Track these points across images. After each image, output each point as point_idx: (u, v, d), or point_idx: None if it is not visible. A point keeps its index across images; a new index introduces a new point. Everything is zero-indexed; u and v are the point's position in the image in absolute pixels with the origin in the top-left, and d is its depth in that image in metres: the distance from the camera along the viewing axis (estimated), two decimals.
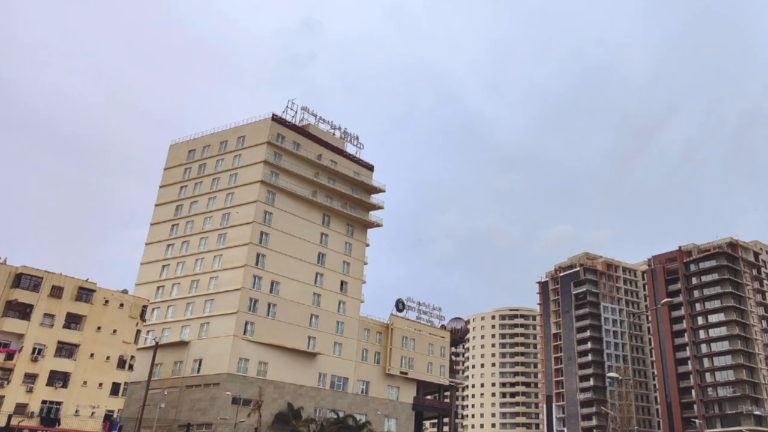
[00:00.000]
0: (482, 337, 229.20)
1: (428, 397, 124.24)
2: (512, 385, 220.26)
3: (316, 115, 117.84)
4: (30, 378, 74.89)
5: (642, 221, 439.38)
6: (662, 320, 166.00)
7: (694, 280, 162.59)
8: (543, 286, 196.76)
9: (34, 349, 76.11)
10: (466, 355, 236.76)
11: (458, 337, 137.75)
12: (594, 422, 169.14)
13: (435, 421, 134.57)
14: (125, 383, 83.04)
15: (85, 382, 78.96)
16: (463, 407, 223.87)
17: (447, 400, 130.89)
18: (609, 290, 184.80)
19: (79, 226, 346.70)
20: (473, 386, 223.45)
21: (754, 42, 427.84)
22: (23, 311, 76.55)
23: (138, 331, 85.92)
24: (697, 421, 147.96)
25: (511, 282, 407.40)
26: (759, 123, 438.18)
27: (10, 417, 71.68)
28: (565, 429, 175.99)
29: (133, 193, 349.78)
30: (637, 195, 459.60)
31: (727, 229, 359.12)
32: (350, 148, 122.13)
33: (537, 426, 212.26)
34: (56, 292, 78.91)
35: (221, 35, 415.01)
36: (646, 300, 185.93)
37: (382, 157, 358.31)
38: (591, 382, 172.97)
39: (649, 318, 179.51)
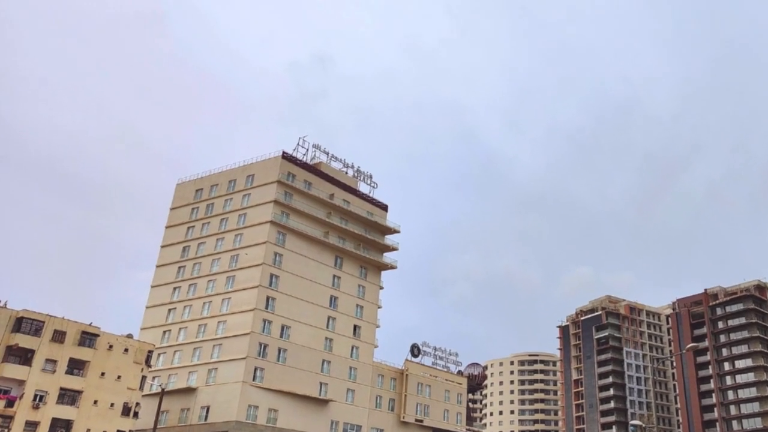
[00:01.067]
0: (500, 383, 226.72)
1: None
2: None
3: (328, 153, 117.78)
4: (31, 426, 74.02)
5: (666, 263, 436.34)
6: (687, 366, 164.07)
7: (721, 324, 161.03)
8: (563, 330, 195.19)
9: (36, 395, 75.39)
10: (483, 401, 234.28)
11: (476, 383, 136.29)
12: None
13: None
14: (130, 431, 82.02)
15: (88, 430, 78.03)
16: None
17: None
18: (632, 335, 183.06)
19: (82, 269, 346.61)
20: None
21: None
22: (24, 356, 75.96)
23: (143, 377, 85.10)
24: None
25: (530, 326, 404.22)
26: None
27: None
28: None
29: (137, 234, 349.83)
30: (661, 236, 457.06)
31: (754, 271, 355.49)
32: (364, 188, 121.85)
33: None
34: (58, 336, 78.33)
35: (230, 71, 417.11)
36: (670, 345, 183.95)
37: (397, 197, 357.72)
38: (613, 431, 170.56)
39: (674, 363, 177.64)
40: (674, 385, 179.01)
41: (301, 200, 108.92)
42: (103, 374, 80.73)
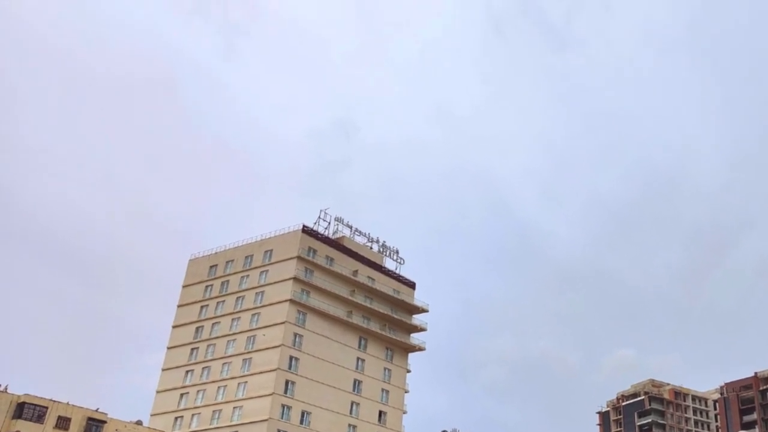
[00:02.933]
0: None
1: None
2: None
3: (351, 227, 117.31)
4: None
5: (713, 345, 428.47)
6: None
7: None
8: (604, 416, 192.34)
9: None
10: None
11: None
12: None
13: None
14: None
15: None
16: None
17: None
18: (677, 421, 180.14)
19: (88, 350, 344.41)
20: None
21: None
22: None
23: None
24: None
25: (568, 412, 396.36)
26: None
27: None
28: None
29: (147, 313, 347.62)
30: (708, 316, 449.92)
31: None
32: (389, 264, 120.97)
33: None
34: (63, 423, 77.12)
35: (246, 139, 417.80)
36: (718, 431, 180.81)
37: (425, 274, 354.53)
38: None
39: None
40: None
41: (323, 277, 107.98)
42: None
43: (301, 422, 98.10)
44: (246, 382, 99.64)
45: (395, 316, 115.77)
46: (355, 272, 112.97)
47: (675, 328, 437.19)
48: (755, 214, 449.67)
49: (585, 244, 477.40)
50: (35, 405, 76.11)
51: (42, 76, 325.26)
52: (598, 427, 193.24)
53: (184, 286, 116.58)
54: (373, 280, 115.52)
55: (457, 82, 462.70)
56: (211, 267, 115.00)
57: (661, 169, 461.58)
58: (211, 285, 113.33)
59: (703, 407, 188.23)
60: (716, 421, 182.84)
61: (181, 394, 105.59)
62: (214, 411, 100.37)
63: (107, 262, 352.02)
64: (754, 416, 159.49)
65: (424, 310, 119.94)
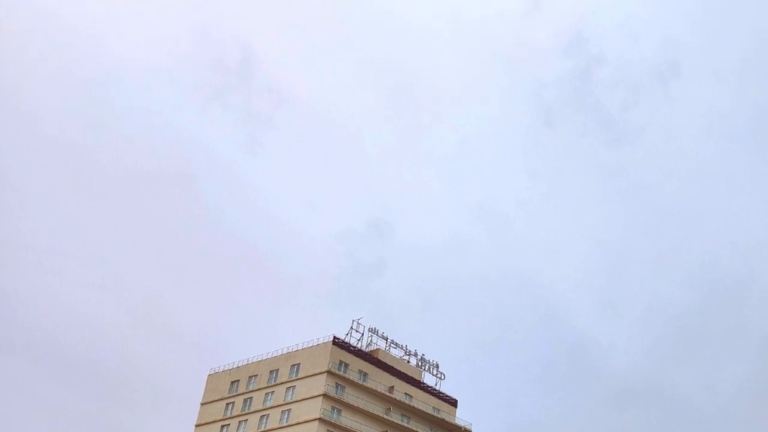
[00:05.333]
0: None
1: None
2: None
3: (386, 339, 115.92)
4: None
5: None
6: None
7: None
8: None
9: None
10: None
11: None
12: None
13: None
14: None
15: None
16: None
17: None
18: None
19: None
20: None
21: None
22: None
23: None
24: None
25: None
26: None
27: None
28: None
29: (162, 431, 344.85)
30: None
31: None
32: (429, 379, 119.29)
33: None
34: None
35: (270, 239, 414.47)
36: None
37: (467, 390, 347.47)
38: None
39: None
40: None
41: (356, 394, 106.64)
42: None
43: None
44: None
45: None
46: (391, 388, 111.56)
47: None
48: None
49: (644, 357, 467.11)
50: None
51: (45, 169, 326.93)
52: None
53: (202, 404, 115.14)
54: (411, 397, 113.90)
55: (501, 178, 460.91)
56: (233, 382, 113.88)
57: (727, 272, 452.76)
58: (233, 402, 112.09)
59: None
60: None
61: None
62: None
63: (118, 374, 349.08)
64: None
65: (467, 431, 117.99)
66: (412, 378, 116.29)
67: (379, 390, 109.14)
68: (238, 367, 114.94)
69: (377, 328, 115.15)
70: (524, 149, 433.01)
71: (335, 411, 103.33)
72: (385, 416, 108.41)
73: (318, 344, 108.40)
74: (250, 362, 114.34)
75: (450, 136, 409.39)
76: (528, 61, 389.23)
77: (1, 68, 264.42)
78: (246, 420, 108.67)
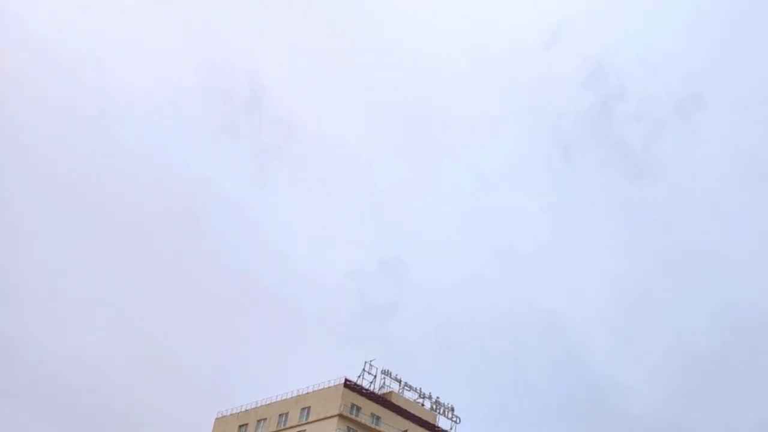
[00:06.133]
0: None
1: None
2: None
3: (400, 381, 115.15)
4: None
5: None
6: None
7: None
8: None
9: None
10: None
11: None
12: None
13: None
14: None
15: None
16: None
17: None
18: None
19: None
20: None
21: None
22: None
23: None
24: None
25: None
26: None
27: None
28: None
29: None
30: None
31: None
32: (444, 423, 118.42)
33: None
34: None
35: (280, 277, 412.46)
36: None
37: None
38: None
39: None
40: None
41: None
42: None
43: None
44: None
45: None
46: None
47: None
48: None
49: (665, 399, 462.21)
50: None
51: (47, 206, 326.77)
52: None
53: None
54: None
55: (518, 215, 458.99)
56: (241, 426, 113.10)
57: (751, 312, 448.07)
58: None
59: None
60: None
61: None
62: None
63: (123, 417, 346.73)
64: None
65: None
66: (427, 422, 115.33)
67: None
68: (246, 411, 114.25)
69: (390, 370, 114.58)
70: (542, 184, 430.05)
71: None
72: None
73: (329, 387, 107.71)
74: (259, 405, 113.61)
75: (466, 171, 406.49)
76: (547, 94, 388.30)
77: (2, 101, 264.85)
78: None
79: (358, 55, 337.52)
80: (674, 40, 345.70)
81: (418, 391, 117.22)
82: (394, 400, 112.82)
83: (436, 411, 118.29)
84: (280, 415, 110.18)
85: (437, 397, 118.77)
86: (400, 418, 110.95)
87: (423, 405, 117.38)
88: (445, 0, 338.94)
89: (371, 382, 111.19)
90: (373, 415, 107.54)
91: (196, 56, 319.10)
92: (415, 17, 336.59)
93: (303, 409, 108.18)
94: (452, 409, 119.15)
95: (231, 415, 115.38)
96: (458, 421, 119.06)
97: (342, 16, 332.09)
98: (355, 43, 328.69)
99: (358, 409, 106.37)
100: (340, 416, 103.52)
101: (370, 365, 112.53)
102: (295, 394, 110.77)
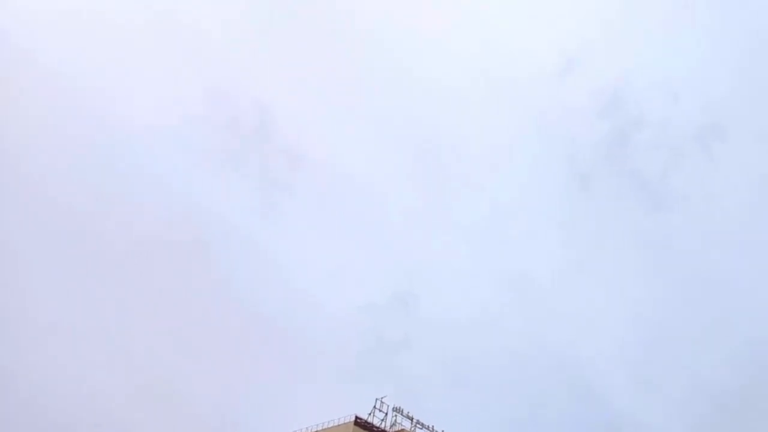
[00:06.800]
0: None
1: None
2: None
3: (411, 419, 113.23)
4: None
5: None
6: None
7: None
8: None
9: None
10: None
11: None
12: None
13: None
14: None
15: None
16: None
17: None
18: None
19: None
20: None
21: None
22: None
23: None
24: None
25: None
26: None
27: None
28: None
29: None
30: None
31: None
32: None
33: None
34: None
35: (288, 311, 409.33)
36: None
37: None
38: None
39: None
40: None
41: None
42: None
43: None
44: None
45: None
46: None
47: None
48: None
49: None
50: None
51: (49, 237, 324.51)
52: None
53: None
54: None
55: (533, 247, 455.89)
56: None
57: None
58: None
59: None
60: None
61: None
62: None
63: None
64: None
65: None
66: None
67: None
68: None
69: (402, 407, 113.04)
70: (558, 215, 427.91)
71: None
72: None
73: (339, 424, 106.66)
74: None
75: (480, 201, 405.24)
76: (562, 123, 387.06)
77: (3, 129, 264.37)
78: None
79: (369, 84, 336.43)
80: (694, 67, 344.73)
81: (431, 429, 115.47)
82: None
83: None
84: None
85: None
86: None
87: None
88: (458, 27, 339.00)
89: (382, 420, 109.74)
90: None
91: (202, 85, 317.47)
92: (427, 45, 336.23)
93: None
94: None
95: None
96: None
97: (352, 44, 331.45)
98: (365, 71, 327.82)
99: None
100: None
101: (381, 402, 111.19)
102: (304, 430, 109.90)
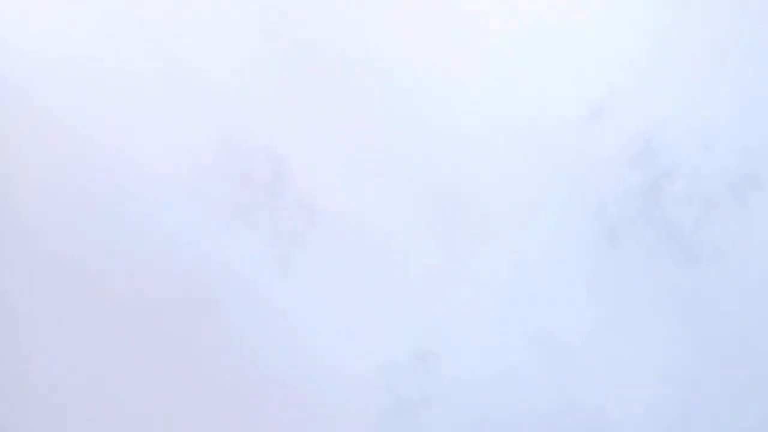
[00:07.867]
0: None
1: None
2: None
3: None
4: None
5: None
6: None
7: None
8: None
9: None
10: None
11: None
12: None
13: None
14: None
15: None
16: None
17: None
18: None
19: None
20: None
21: None
22: None
23: None
24: None
25: None
26: None
27: None
28: None
29: None
30: None
31: None
32: None
33: None
34: None
35: (302, 372, 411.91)
36: None
37: None
38: None
39: None
40: None
41: None
42: None
43: None
44: None
45: None
46: None
47: None
48: None
49: None
50: None
51: (48, 294, 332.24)
52: None
53: None
54: None
55: (560, 303, 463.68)
56: None
57: None
58: None
59: None
60: None
61: None
62: None
63: None
64: None
65: None
66: None
67: None
68: None
69: None
70: (586, 270, 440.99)
71: None
72: None
73: None
74: None
75: (503, 256, 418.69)
76: (590, 173, 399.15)
77: (1, 179, 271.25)
78: None
79: (386, 133, 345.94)
80: (729, 113, 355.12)
81: None
82: None
83: None
84: None
85: None
86: None
87: None
88: (480, 73, 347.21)
89: None
90: None
91: (212, 133, 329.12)
92: (448, 92, 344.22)
93: None
94: None
95: None
96: None
97: (369, 91, 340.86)
98: (382, 119, 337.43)
99: None
100: None
101: None
102: None
